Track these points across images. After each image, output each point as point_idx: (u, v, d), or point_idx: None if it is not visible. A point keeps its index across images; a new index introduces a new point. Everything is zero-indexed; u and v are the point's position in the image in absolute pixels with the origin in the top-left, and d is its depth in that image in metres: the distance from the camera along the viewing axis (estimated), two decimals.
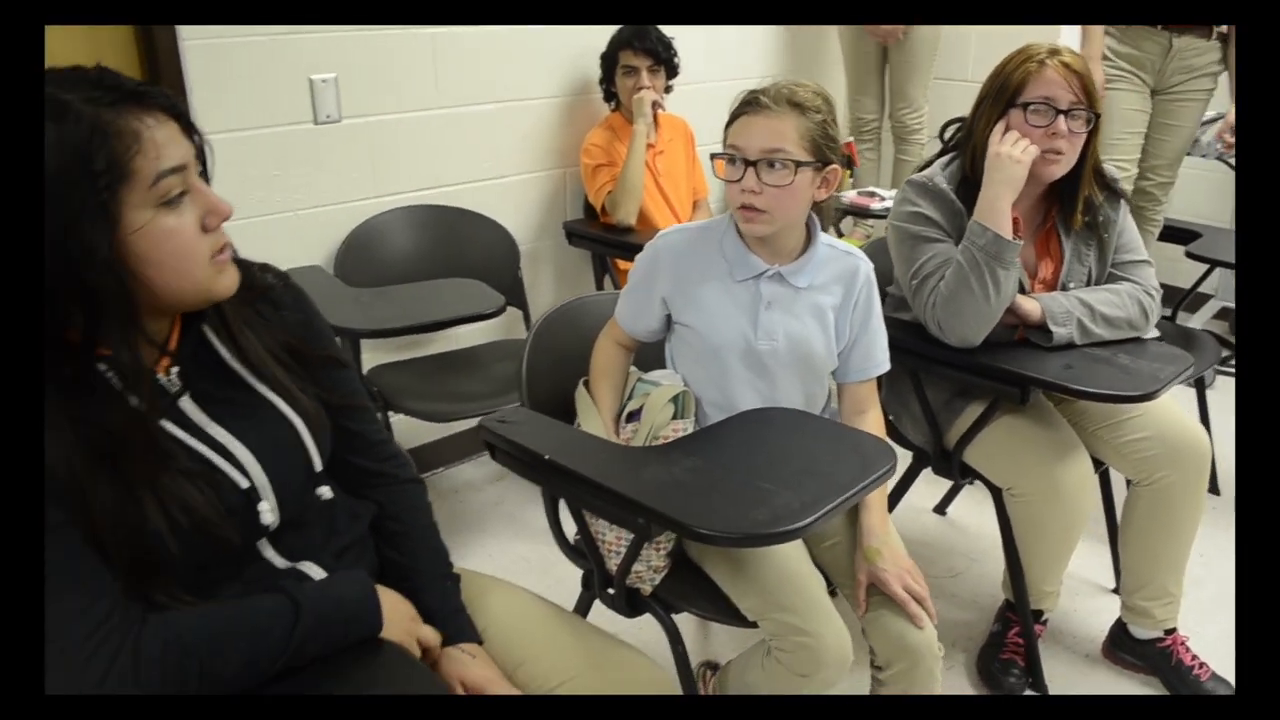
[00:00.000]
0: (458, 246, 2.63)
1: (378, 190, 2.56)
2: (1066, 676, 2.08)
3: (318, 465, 1.14)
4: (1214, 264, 2.55)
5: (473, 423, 2.71)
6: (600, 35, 2.81)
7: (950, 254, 1.80)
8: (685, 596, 1.56)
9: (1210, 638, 2.09)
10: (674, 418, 1.57)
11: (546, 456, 1.39)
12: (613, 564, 1.55)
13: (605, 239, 2.77)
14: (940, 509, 2.68)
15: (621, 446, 1.50)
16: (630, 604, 1.56)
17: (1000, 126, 1.77)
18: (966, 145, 1.87)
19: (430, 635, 1.17)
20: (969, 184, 1.85)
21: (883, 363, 1.64)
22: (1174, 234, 2.74)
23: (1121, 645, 2.08)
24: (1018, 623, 2.04)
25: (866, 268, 1.59)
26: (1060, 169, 1.80)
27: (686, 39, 2.85)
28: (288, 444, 1.11)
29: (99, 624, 0.92)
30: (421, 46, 2.55)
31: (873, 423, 1.64)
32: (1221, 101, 3.02)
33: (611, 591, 1.57)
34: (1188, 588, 2.01)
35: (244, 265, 1.14)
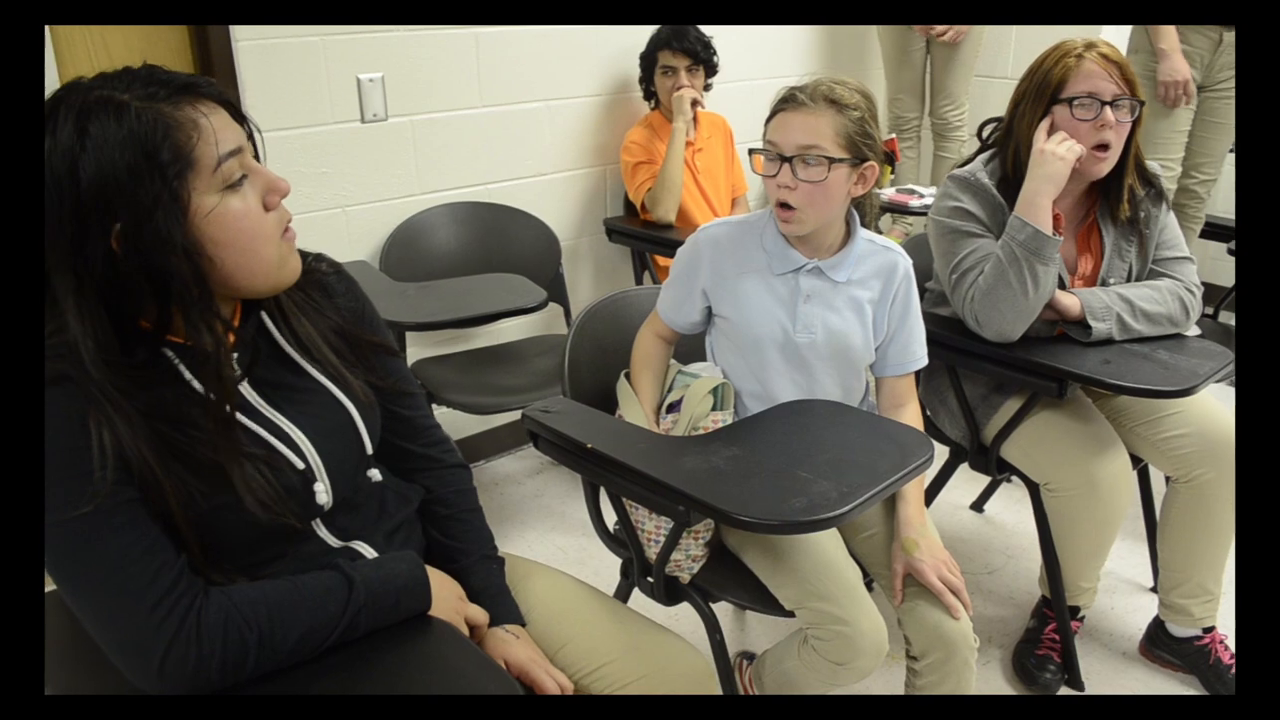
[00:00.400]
0: (500, 242, 2.68)
1: (423, 187, 2.61)
2: (1102, 674, 2.08)
3: (369, 448, 1.18)
4: None
5: (513, 416, 2.78)
6: (639, 35, 2.85)
7: (991, 249, 1.81)
8: (723, 586, 1.59)
9: None
10: (713, 409, 1.59)
11: (589, 445, 1.43)
12: (652, 552, 1.59)
13: (645, 235, 2.80)
14: (977, 506, 2.68)
15: (662, 436, 1.53)
16: (669, 592, 1.59)
17: (1046, 124, 1.78)
18: (1007, 144, 1.88)
19: (478, 614, 1.20)
20: (1009, 182, 1.86)
21: (921, 357, 1.65)
22: (1216, 231, 2.72)
23: (1159, 643, 2.07)
24: (1054, 619, 2.04)
25: (905, 263, 1.61)
26: (1108, 165, 1.80)
27: (726, 36, 2.88)
28: (340, 427, 1.15)
29: (166, 592, 0.96)
30: (466, 47, 2.60)
31: (910, 416, 1.65)
32: None
33: (650, 580, 1.60)
34: (1226, 586, 2.00)
35: (300, 255, 1.18)
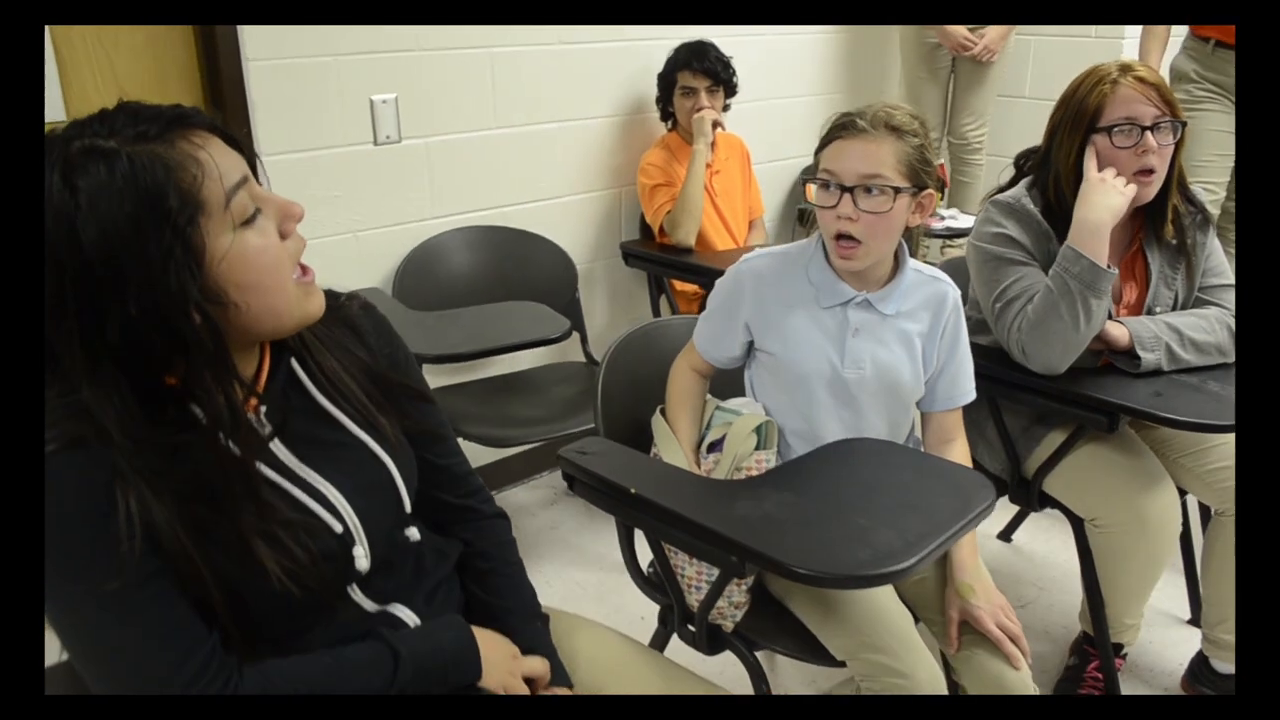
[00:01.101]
0: (515, 267, 2.61)
1: (436, 211, 2.55)
2: None
3: (407, 506, 1.11)
4: None
5: (526, 446, 2.70)
6: (655, 55, 2.79)
7: (1036, 278, 1.75)
8: (767, 634, 1.52)
9: None
10: (757, 448, 1.53)
11: (633, 490, 1.36)
12: (693, 599, 1.52)
13: (663, 259, 2.74)
14: (1005, 535, 2.62)
15: (708, 479, 1.47)
16: (711, 641, 1.52)
17: (1092, 154, 1.72)
18: (1046, 174, 1.82)
19: (536, 666, 1.14)
20: (1052, 211, 1.80)
21: (969, 391, 1.59)
22: None
23: (1201, 679, 2.01)
24: (1097, 656, 1.97)
25: (955, 294, 1.55)
26: (1153, 189, 1.74)
27: (742, 56, 2.82)
28: (378, 484, 1.08)
29: (196, 675, 0.89)
30: (480, 67, 2.54)
31: (959, 452, 1.59)
32: None
33: (692, 628, 1.53)
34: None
35: (327, 295, 1.11)
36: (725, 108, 2.79)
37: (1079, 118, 1.75)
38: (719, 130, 2.75)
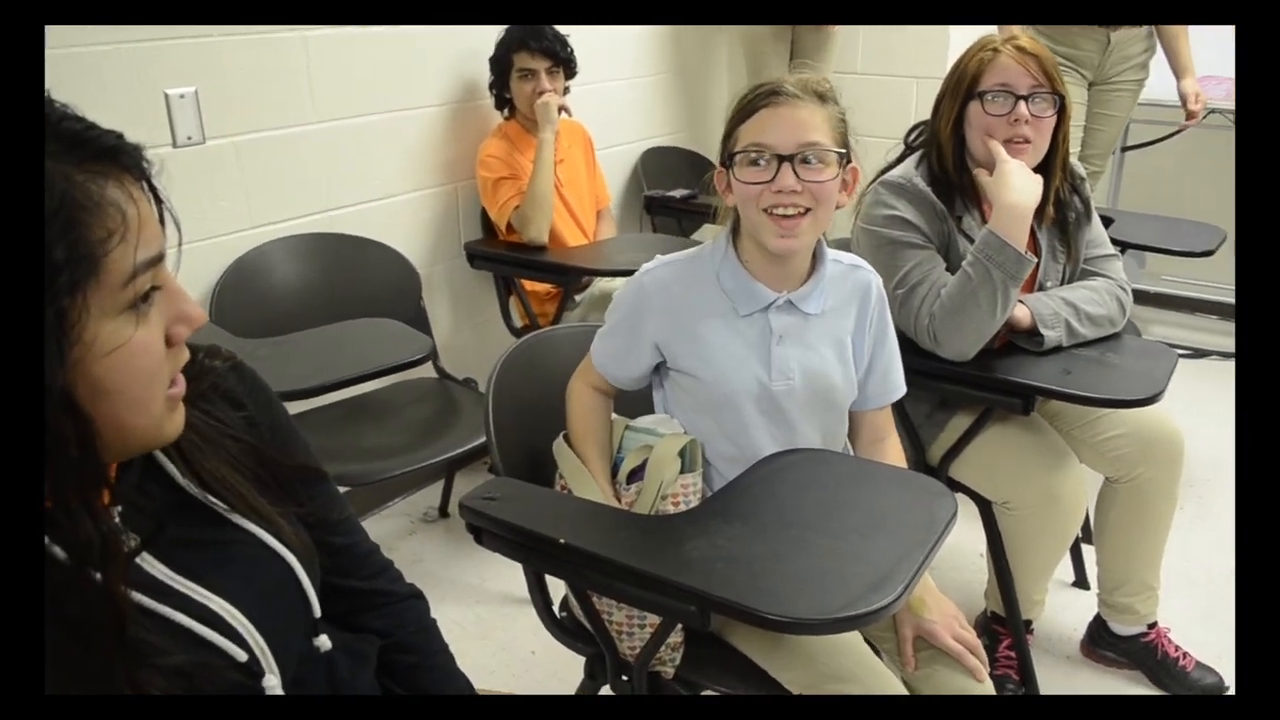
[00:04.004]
0: (351, 278, 2.33)
1: (253, 220, 2.22)
2: (1052, 680, 2.01)
3: (317, 610, 0.88)
4: (1129, 247, 2.56)
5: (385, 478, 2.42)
6: (485, 36, 2.55)
7: (936, 261, 1.69)
8: (711, 675, 1.37)
9: (1181, 624, 2.07)
10: (681, 472, 1.37)
11: (562, 541, 1.17)
12: (625, 647, 1.35)
13: (513, 259, 2.53)
14: None
15: (643, 517, 1.29)
16: (652, 691, 1.36)
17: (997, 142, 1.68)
18: (932, 145, 1.77)
19: None
20: (940, 182, 1.74)
21: (900, 384, 1.49)
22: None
23: (1102, 642, 2.03)
24: (1007, 635, 1.95)
25: (878, 281, 1.44)
26: (1028, 157, 1.71)
27: (579, 36, 2.63)
28: (281, 587, 0.85)
29: None
30: (292, 53, 2.23)
31: (893, 450, 1.49)
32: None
33: (627, 678, 1.35)
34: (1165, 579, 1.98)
35: (189, 349, 0.86)
36: (566, 90, 2.59)
37: (959, 84, 1.73)
38: (564, 116, 2.55)
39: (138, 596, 0.73)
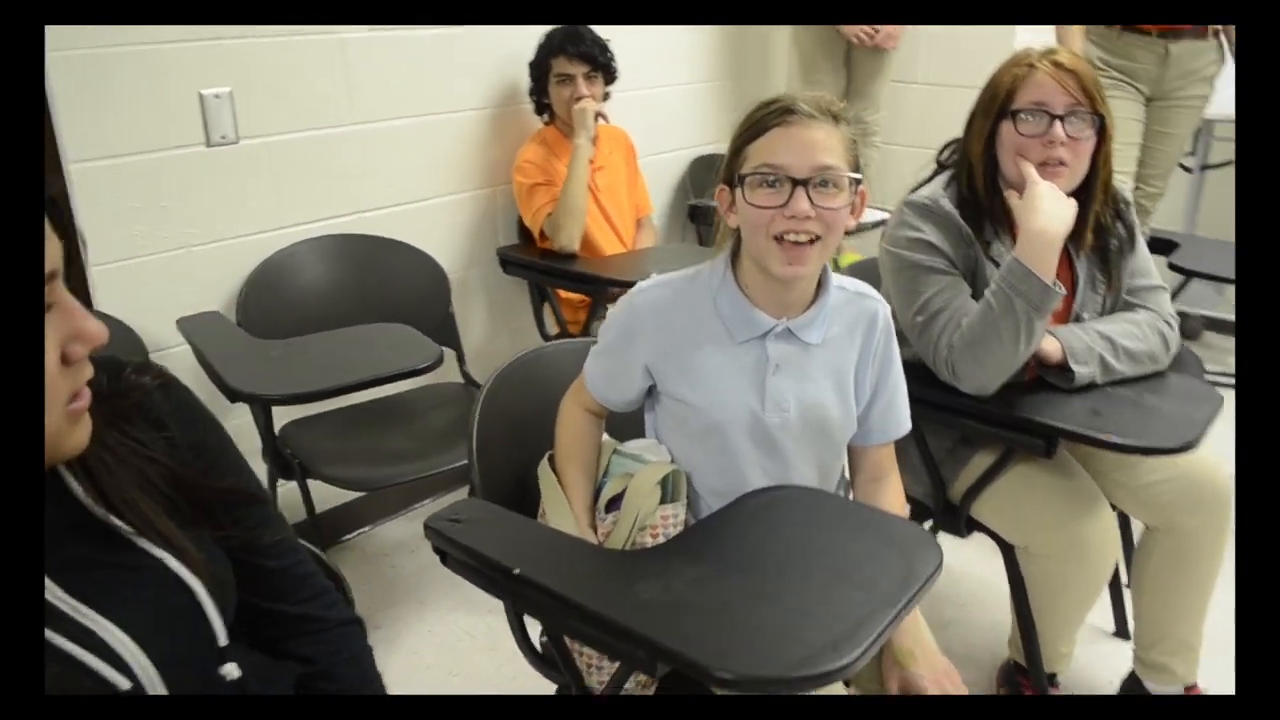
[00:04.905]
0: (379, 281, 2.32)
1: (283, 220, 2.24)
2: None
3: (222, 639, 0.85)
4: (1193, 275, 2.40)
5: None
6: (527, 40, 2.53)
7: (960, 289, 1.59)
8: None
9: (1223, 690, 1.92)
10: (662, 501, 1.31)
11: (516, 571, 1.12)
12: (594, 681, 1.30)
13: (544, 267, 2.49)
14: None
15: (607, 553, 1.24)
16: None
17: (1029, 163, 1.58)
18: (962, 165, 1.67)
19: None
20: (969, 205, 1.65)
21: (905, 420, 1.40)
22: (1155, 245, 2.59)
23: None
24: (1029, 687, 1.84)
25: (885, 310, 1.35)
26: (1065, 181, 1.60)
27: (619, 42, 2.58)
28: (181, 613, 0.82)
29: None
30: (328, 54, 2.23)
31: (893, 491, 1.41)
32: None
33: None
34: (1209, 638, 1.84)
35: (110, 365, 0.85)
36: (605, 96, 2.54)
37: (992, 102, 1.63)
38: (601, 122, 2.51)
39: None
